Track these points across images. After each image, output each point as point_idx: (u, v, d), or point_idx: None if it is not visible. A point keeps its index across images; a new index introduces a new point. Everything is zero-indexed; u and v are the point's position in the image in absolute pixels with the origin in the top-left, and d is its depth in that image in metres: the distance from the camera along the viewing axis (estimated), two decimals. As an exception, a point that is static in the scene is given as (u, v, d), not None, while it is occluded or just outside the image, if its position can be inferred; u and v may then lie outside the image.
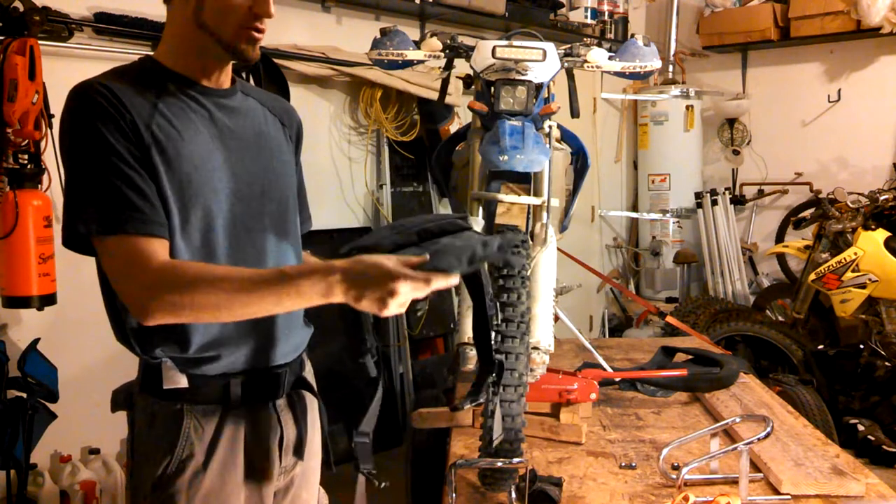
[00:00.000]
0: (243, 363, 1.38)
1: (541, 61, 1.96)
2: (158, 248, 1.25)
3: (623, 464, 1.95)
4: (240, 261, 1.35)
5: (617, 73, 2.12)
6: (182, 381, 1.34)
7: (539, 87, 1.97)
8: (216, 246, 1.33)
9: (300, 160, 1.60)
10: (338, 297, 1.17)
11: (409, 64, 2.21)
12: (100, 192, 1.24)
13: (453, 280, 1.18)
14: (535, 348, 1.83)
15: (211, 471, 1.35)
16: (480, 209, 1.99)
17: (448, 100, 3.03)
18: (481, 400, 1.53)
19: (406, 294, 1.15)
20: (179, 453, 1.34)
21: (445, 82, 2.30)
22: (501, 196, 1.99)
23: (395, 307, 1.16)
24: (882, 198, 4.23)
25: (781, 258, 5.50)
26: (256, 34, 1.35)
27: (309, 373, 1.56)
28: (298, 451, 1.46)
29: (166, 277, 1.22)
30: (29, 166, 2.70)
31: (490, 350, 1.42)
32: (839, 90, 5.62)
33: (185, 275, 1.22)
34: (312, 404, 1.52)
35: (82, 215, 1.24)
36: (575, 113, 2.15)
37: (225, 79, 1.42)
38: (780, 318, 5.02)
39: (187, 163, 1.30)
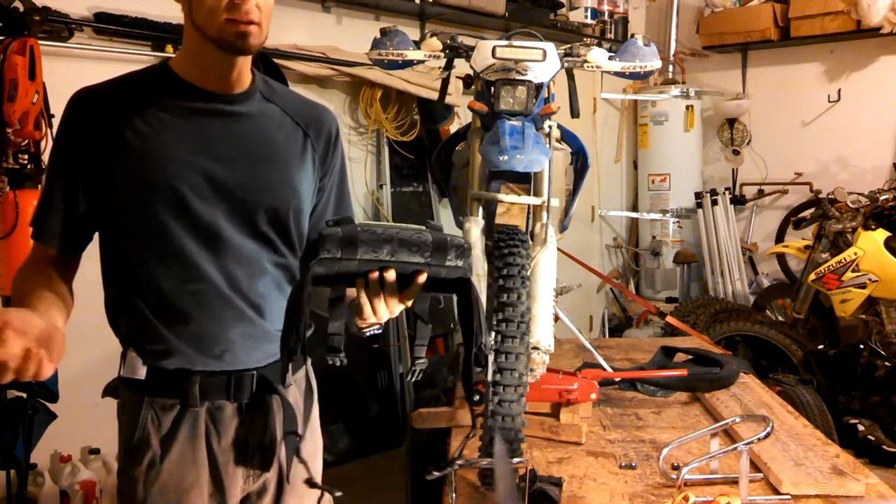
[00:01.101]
0: (202, 363, 1.38)
1: (541, 61, 1.96)
2: (45, 256, 1.38)
3: (623, 464, 1.94)
4: (215, 268, 1.36)
5: (617, 73, 2.12)
6: (140, 372, 1.37)
7: (539, 87, 1.96)
8: (190, 252, 1.35)
9: (335, 168, 1.54)
10: None
11: (409, 64, 2.20)
12: (40, 201, 1.40)
13: None
14: (535, 348, 1.83)
15: (168, 464, 1.36)
16: (480, 209, 1.99)
17: (448, 100, 3.03)
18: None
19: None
20: (136, 441, 1.37)
21: (445, 82, 2.30)
22: (501, 196, 1.99)
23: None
24: (882, 198, 4.22)
25: (781, 258, 5.50)
26: (243, 25, 1.30)
27: (300, 378, 1.53)
28: (267, 455, 1.45)
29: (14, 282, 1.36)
30: (29, 166, 2.71)
31: (471, 387, 1.41)
32: (839, 90, 5.62)
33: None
34: (289, 411, 1.47)
35: (34, 214, 1.41)
36: (575, 113, 2.15)
37: (237, 82, 1.40)
38: (780, 318, 5.02)
39: (157, 166, 1.33)
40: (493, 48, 1.97)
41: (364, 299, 1.23)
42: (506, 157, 1.80)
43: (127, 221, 1.36)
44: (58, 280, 1.36)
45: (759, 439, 1.73)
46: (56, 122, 1.41)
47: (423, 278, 1.22)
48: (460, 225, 2.02)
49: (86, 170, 1.35)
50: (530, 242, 1.90)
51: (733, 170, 6.12)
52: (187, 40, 1.39)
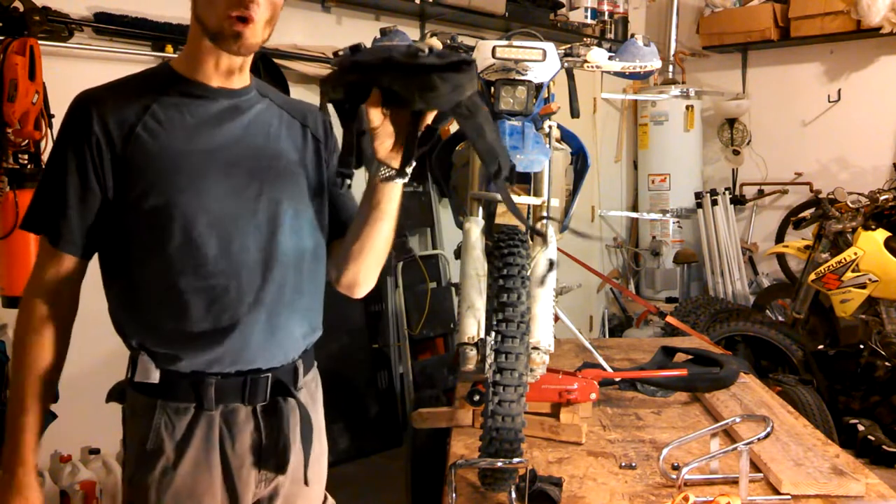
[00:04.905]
0: (218, 364, 1.37)
1: (541, 61, 1.96)
2: (58, 262, 1.38)
3: (623, 464, 1.95)
4: (226, 260, 1.36)
5: (617, 73, 2.12)
6: (154, 376, 1.36)
7: (539, 87, 1.97)
8: (202, 244, 1.34)
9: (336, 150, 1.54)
10: None
11: (409, 64, 2.20)
12: (45, 195, 1.39)
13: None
14: (535, 348, 1.83)
15: (182, 469, 1.35)
16: (480, 209, 1.99)
17: (448, 100, 3.00)
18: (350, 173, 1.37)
19: None
20: (149, 448, 1.35)
21: (445, 82, 2.30)
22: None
23: None
24: (882, 198, 4.23)
25: (781, 258, 5.50)
26: (241, 24, 1.31)
27: (310, 380, 1.53)
28: (281, 459, 1.43)
29: (25, 310, 1.39)
30: (29, 166, 2.70)
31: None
32: (839, 90, 5.62)
33: (21, 331, 1.38)
34: (298, 414, 1.46)
35: (33, 207, 1.40)
36: (575, 113, 2.15)
37: (237, 79, 1.42)
38: (780, 318, 5.02)
39: (171, 162, 1.33)
40: (493, 48, 1.97)
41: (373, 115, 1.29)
42: (506, 157, 1.80)
43: (140, 221, 1.34)
44: (66, 312, 1.40)
45: (759, 439, 1.73)
46: (56, 122, 1.40)
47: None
48: (460, 225, 2.02)
49: (98, 172, 1.33)
50: (530, 242, 1.90)
51: (733, 170, 6.12)
52: (191, 36, 1.40)
